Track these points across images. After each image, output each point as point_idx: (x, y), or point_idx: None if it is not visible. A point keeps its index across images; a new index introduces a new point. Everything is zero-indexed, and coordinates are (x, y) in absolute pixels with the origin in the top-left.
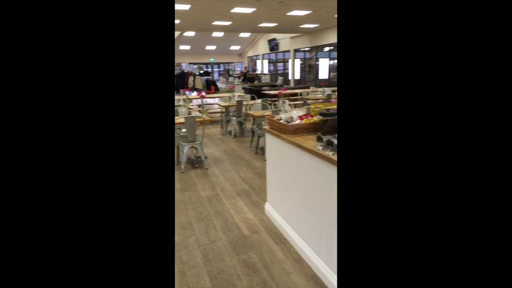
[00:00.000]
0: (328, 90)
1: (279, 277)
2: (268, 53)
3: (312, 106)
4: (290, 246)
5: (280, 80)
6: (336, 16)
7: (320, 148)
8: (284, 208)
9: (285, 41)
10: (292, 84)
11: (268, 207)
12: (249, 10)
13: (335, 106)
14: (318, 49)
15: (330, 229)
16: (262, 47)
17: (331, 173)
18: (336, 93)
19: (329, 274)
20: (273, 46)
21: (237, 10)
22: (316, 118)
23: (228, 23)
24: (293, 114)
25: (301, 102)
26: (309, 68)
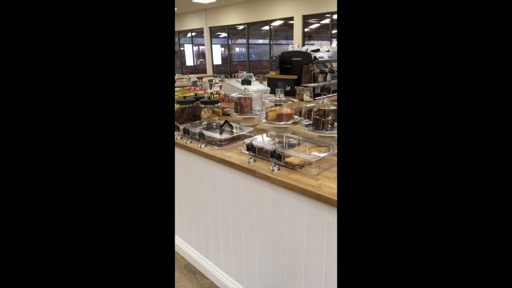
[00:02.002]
0: (193, 77)
1: None
2: None
3: None
4: None
5: None
6: (193, 1)
7: (178, 137)
8: None
9: None
10: None
11: None
12: None
13: (192, 94)
14: (180, 34)
15: (197, 216)
16: None
17: (191, 161)
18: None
19: (201, 259)
20: None
21: None
22: (174, 107)
23: None
24: None
25: None
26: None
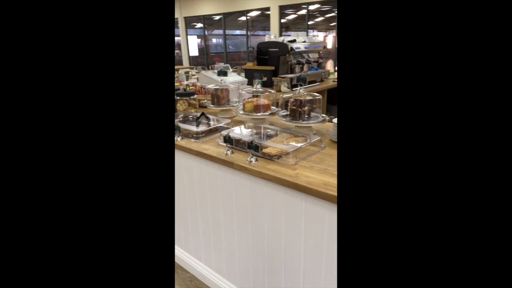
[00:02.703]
0: None
1: None
2: None
3: None
4: None
5: None
6: None
7: None
8: None
9: None
10: None
11: None
12: None
13: None
14: None
15: (176, 210)
16: None
17: None
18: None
19: (181, 254)
20: None
21: None
22: None
23: None
24: None
25: None
26: None
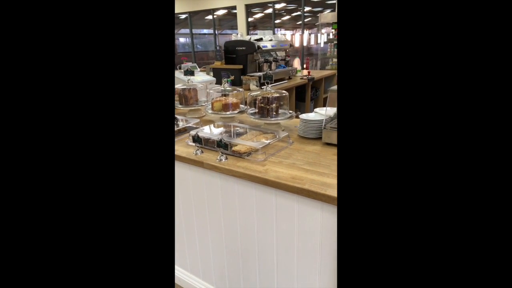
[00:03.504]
0: None
1: None
2: None
3: None
4: None
5: None
6: None
7: None
8: None
9: None
10: None
11: None
12: None
13: None
14: None
15: None
16: None
17: None
18: None
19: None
20: None
21: None
22: None
23: None
24: None
25: None
26: None
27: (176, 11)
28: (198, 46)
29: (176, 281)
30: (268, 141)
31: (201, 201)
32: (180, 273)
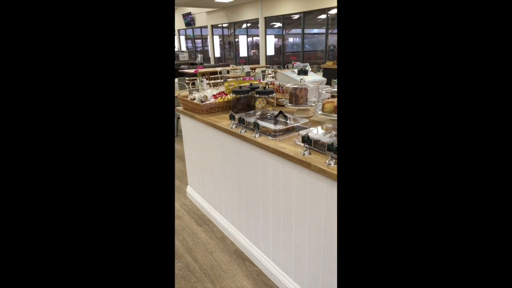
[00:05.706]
0: (247, 68)
1: (202, 258)
2: (185, 29)
3: (226, 84)
4: (213, 226)
5: (199, 58)
6: None
7: (233, 126)
8: (205, 189)
9: (201, 16)
10: (212, 62)
11: (189, 190)
12: None
13: (247, 83)
14: (236, 25)
15: (248, 205)
16: (177, 22)
17: (245, 151)
18: (255, 71)
19: (250, 247)
20: (189, 21)
21: None
22: (230, 96)
23: None
24: (207, 93)
25: (222, 80)
26: (229, 45)
27: (290, 11)
28: (306, 46)
29: (268, 273)
30: None
31: (303, 202)
32: (273, 267)
